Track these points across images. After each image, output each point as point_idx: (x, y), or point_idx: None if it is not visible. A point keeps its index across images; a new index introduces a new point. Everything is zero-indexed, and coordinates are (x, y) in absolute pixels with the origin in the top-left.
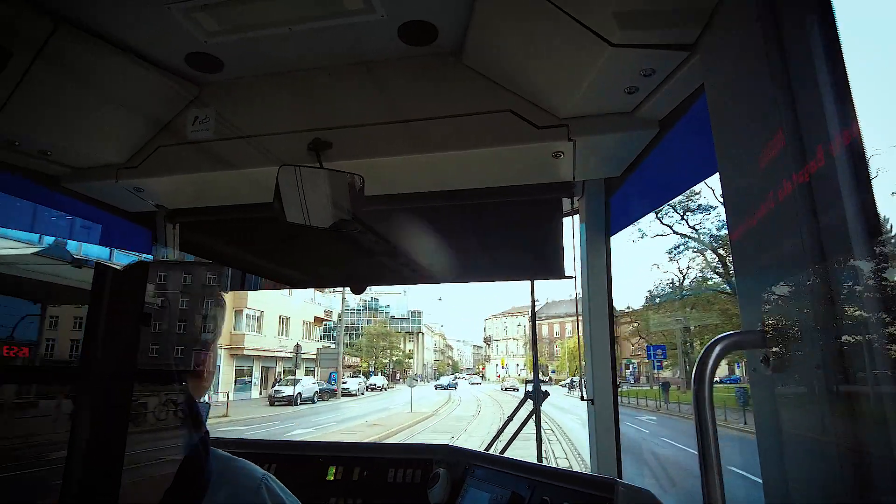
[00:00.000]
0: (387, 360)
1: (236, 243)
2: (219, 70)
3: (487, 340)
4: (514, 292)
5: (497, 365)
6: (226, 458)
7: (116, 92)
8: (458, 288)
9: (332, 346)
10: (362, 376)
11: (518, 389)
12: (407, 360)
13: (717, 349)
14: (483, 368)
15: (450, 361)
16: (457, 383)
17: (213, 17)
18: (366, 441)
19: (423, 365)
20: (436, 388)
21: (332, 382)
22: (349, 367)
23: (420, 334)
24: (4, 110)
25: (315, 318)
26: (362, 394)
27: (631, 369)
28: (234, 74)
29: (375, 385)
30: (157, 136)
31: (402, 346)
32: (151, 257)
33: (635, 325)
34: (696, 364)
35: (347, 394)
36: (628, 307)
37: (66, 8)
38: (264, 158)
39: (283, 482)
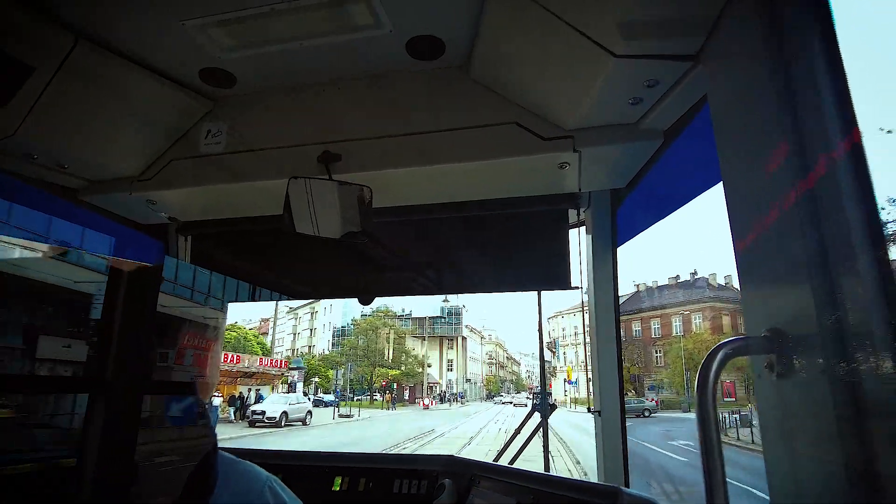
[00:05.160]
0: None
1: (247, 255)
2: (232, 85)
3: (552, 347)
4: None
5: (564, 380)
6: (231, 461)
7: (132, 106)
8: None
9: None
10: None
11: (527, 405)
12: (419, 371)
13: (721, 355)
14: (550, 385)
15: (513, 377)
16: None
17: (227, 33)
18: (371, 453)
19: (467, 380)
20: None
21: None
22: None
23: (460, 338)
24: (24, 124)
25: None
26: None
27: None
28: (247, 89)
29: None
30: (170, 150)
31: (427, 351)
32: (163, 268)
33: None
34: (699, 370)
35: None
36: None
37: (87, 24)
38: (275, 171)
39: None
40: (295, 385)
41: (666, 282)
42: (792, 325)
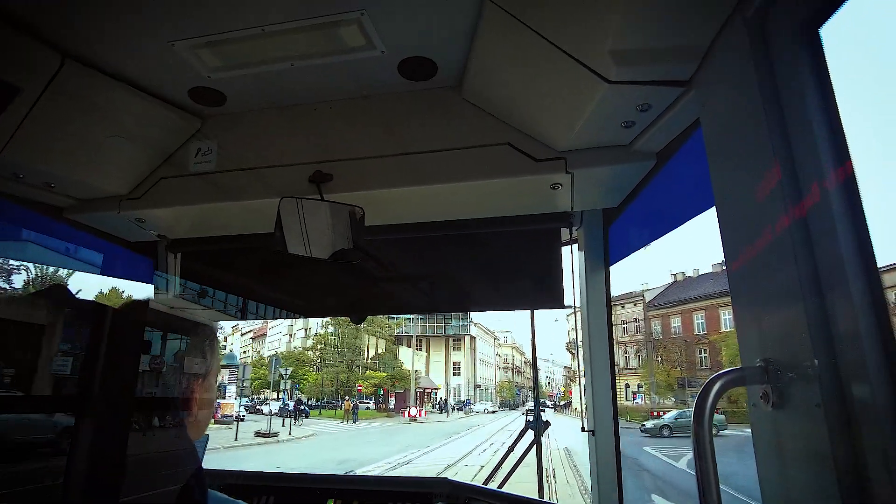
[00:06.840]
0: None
1: (237, 273)
2: (221, 104)
3: (571, 348)
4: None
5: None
6: (224, 501)
7: (120, 125)
8: None
9: None
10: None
11: (496, 412)
12: (406, 374)
13: (717, 386)
14: (570, 393)
15: (531, 383)
16: None
17: (216, 53)
18: (365, 474)
19: (476, 386)
20: None
21: None
22: None
23: (468, 338)
24: (10, 144)
25: None
26: None
27: None
28: (237, 108)
29: None
30: (159, 168)
31: (408, 354)
32: (152, 286)
33: None
34: (695, 402)
35: None
36: None
37: (74, 45)
38: (266, 190)
39: None
40: (224, 389)
41: (709, 269)
42: (785, 355)
